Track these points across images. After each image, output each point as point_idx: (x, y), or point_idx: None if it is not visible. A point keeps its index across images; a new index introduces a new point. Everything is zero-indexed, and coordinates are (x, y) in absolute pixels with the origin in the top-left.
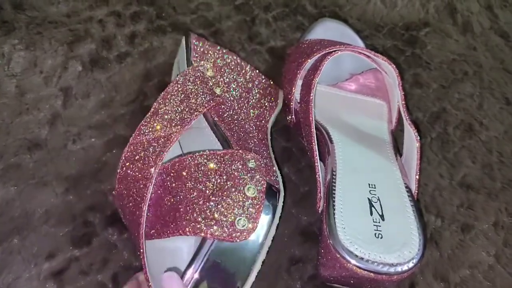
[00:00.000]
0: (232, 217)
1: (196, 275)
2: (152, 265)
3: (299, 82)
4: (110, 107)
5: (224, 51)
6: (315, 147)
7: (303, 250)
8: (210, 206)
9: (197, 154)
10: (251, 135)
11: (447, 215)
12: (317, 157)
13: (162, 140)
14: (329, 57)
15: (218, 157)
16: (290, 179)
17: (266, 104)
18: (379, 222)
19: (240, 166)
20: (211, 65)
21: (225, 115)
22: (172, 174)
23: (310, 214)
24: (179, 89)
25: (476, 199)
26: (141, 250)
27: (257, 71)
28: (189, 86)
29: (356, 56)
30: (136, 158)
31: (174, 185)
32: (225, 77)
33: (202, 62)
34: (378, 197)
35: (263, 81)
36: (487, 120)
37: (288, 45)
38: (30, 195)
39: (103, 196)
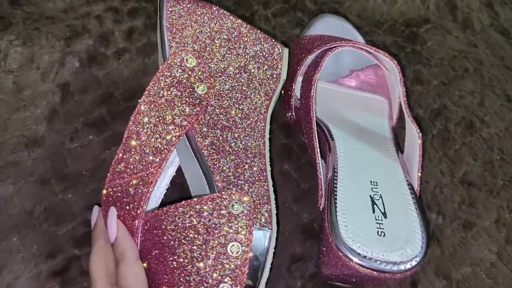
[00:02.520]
0: (215, 282)
1: None
2: None
3: (299, 79)
4: (108, 103)
5: (210, 12)
6: (316, 144)
7: (304, 248)
8: (191, 269)
9: (172, 207)
10: (243, 142)
11: (448, 213)
12: (318, 154)
13: (141, 185)
14: (329, 53)
15: (198, 207)
16: (291, 176)
17: (266, 81)
18: (381, 220)
19: (222, 219)
20: (192, 46)
21: (207, 128)
22: (157, 226)
23: (311, 211)
24: (152, 107)
25: (478, 196)
26: None
27: (257, 31)
28: (164, 96)
29: (357, 52)
30: (118, 205)
31: (158, 239)
32: (210, 60)
33: (179, 50)
34: (380, 194)
35: (263, 45)
36: (488, 117)
37: (287, 41)
38: (29, 193)
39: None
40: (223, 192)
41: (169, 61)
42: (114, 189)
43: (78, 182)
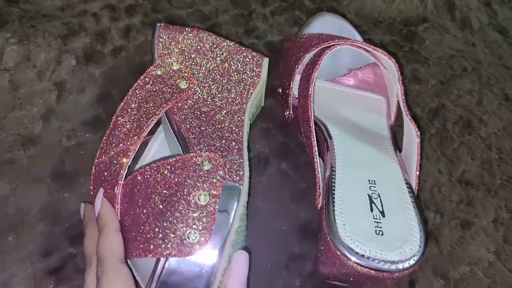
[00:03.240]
0: (181, 232)
1: None
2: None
3: (297, 77)
4: (105, 102)
5: (195, 32)
6: (314, 143)
7: (302, 247)
8: (158, 224)
9: (146, 167)
10: (220, 125)
11: (446, 212)
12: (316, 153)
13: (121, 156)
14: (328, 51)
15: (168, 167)
16: (288, 175)
17: (245, 81)
18: (379, 219)
19: (191, 172)
20: (177, 56)
21: (188, 111)
22: (128, 192)
23: (309, 210)
24: (137, 95)
25: (476, 196)
26: None
27: (237, 44)
28: (148, 89)
29: (355, 51)
30: (102, 179)
31: (129, 203)
32: (194, 65)
33: (166, 56)
34: (378, 193)
35: (244, 54)
36: (486, 116)
37: (285, 40)
38: (25, 192)
39: None
40: (193, 154)
41: (156, 64)
42: (100, 165)
43: (75, 181)
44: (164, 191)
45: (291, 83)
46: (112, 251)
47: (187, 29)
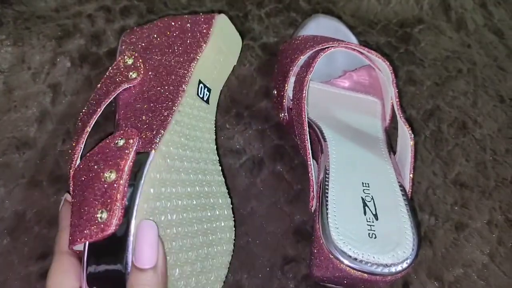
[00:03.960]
0: (91, 214)
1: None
2: None
3: (292, 79)
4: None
5: (147, 27)
6: (308, 145)
7: (297, 250)
8: (78, 211)
9: (86, 155)
10: (157, 98)
11: (441, 214)
12: (310, 156)
13: (79, 128)
14: (322, 53)
15: (93, 156)
16: (283, 177)
17: (190, 44)
18: (372, 222)
19: (106, 154)
20: (128, 52)
21: (131, 99)
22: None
23: (303, 212)
24: (97, 90)
25: (470, 198)
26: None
27: (185, 15)
28: (107, 77)
29: (350, 53)
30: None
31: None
32: (145, 57)
33: (124, 54)
34: (371, 196)
35: (194, 19)
36: (481, 118)
37: (281, 41)
38: (21, 196)
39: None
40: (110, 136)
41: (112, 66)
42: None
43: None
44: (83, 178)
45: (286, 85)
46: (56, 244)
47: (143, 26)
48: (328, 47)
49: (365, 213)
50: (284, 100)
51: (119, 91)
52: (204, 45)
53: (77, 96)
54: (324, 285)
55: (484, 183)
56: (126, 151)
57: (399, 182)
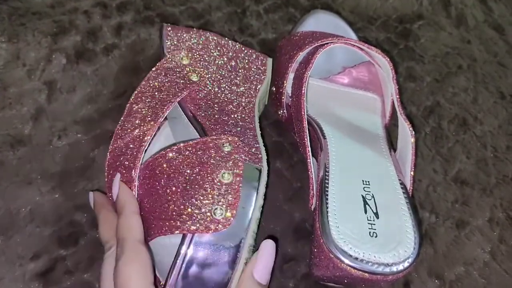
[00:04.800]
0: (208, 208)
1: (179, 278)
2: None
3: (291, 76)
4: (97, 101)
5: (201, 32)
6: (307, 143)
7: (296, 248)
8: (183, 201)
9: (168, 149)
10: (233, 115)
11: (441, 211)
12: (310, 153)
13: (137, 140)
14: (321, 49)
15: (190, 148)
16: (282, 175)
17: (252, 77)
18: (373, 220)
19: (213, 153)
20: (186, 52)
21: (202, 102)
22: (148, 174)
23: (303, 210)
24: (151, 85)
25: (471, 195)
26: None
27: (240, 44)
28: (162, 79)
29: (349, 49)
30: (117, 164)
31: (150, 185)
32: (203, 61)
33: (176, 51)
34: (372, 194)
35: (248, 53)
36: (481, 114)
37: (279, 38)
38: (14, 194)
39: None
40: (213, 137)
41: (166, 58)
42: (115, 151)
43: (66, 182)
44: (188, 171)
45: (285, 81)
46: (131, 231)
47: (193, 29)
48: (328, 43)
49: (365, 211)
50: (283, 97)
51: (186, 93)
52: (264, 77)
53: (73, 93)
54: (324, 284)
55: (485, 180)
56: (238, 158)
57: (399, 179)
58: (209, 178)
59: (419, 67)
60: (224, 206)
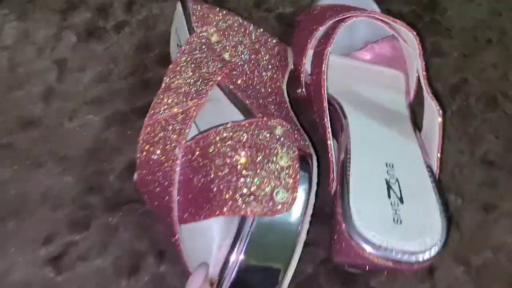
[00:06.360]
0: (270, 190)
1: (241, 257)
2: (184, 245)
3: (310, 52)
4: (108, 80)
5: (224, 12)
6: (328, 124)
7: (315, 233)
8: (245, 182)
9: (220, 127)
10: (269, 99)
11: (468, 194)
12: (330, 134)
13: (181, 116)
14: (342, 24)
15: (244, 128)
16: None
17: (277, 63)
18: (397, 206)
19: (268, 135)
20: (215, 29)
21: (238, 81)
22: (198, 152)
23: (322, 194)
24: (188, 59)
25: (499, 177)
26: (176, 237)
27: (261, 29)
28: (197, 55)
29: (372, 23)
30: (155, 139)
31: (201, 163)
32: (230, 41)
33: (204, 27)
34: (396, 177)
35: (269, 40)
36: (511, 91)
37: (297, 12)
38: (25, 177)
39: (103, 176)
40: (264, 118)
41: (197, 31)
42: (155, 125)
43: (77, 164)
44: (244, 151)
45: (304, 58)
46: None
47: (215, 7)
48: (349, 16)
49: (389, 196)
50: (302, 75)
51: (226, 71)
52: (287, 64)
53: (83, 72)
54: (345, 269)
55: None
56: (290, 141)
57: (425, 162)
58: (268, 160)
59: (446, 42)
60: (285, 188)
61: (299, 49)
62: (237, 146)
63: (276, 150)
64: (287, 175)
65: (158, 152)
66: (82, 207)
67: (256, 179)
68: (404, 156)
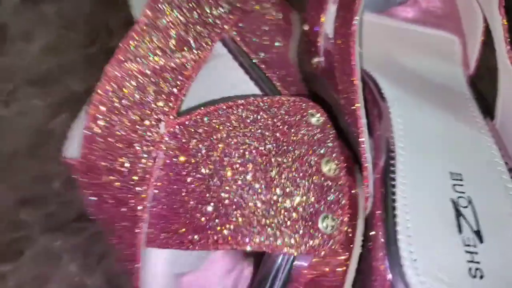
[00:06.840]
0: (312, 211)
1: None
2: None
3: (333, 8)
4: (61, 51)
5: None
6: (361, 110)
7: None
8: (273, 198)
9: (231, 103)
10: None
11: None
12: (365, 127)
13: (170, 74)
14: None
15: (267, 111)
16: None
17: (280, 27)
18: (475, 246)
19: (303, 124)
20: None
21: (247, 37)
22: (195, 140)
23: None
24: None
25: None
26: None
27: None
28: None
29: None
30: (133, 100)
31: (200, 158)
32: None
33: None
34: (468, 196)
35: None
36: None
37: None
38: None
39: (45, 183)
40: (296, 97)
41: None
42: (125, 80)
43: (12, 164)
44: (269, 146)
45: (322, 15)
46: None
47: None
48: None
49: (460, 230)
50: (319, 39)
51: (234, 18)
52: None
53: (30, 42)
54: None
55: None
56: (331, 138)
57: (506, 163)
58: (307, 164)
59: None
60: (333, 213)
61: (315, 3)
62: (261, 137)
63: (317, 150)
64: (335, 191)
65: (127, 127)
66: (14, 226)
67: (293, 195)
68: (475, 160)
